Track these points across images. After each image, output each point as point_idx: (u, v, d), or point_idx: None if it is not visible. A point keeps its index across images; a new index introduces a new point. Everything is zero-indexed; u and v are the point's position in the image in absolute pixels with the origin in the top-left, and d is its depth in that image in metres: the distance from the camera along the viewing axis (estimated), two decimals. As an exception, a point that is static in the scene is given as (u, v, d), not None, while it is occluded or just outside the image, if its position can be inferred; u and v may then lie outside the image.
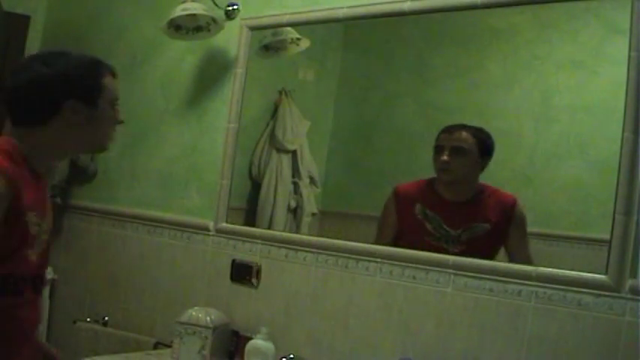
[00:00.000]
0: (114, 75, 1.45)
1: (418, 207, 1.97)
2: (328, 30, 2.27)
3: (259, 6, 2.31)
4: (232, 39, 2.34)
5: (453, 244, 1.87)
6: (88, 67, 1.41)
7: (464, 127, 1.93)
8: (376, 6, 2.01)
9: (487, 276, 1.72)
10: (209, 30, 2.30)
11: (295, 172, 2.34)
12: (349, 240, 1.98)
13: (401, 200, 2.04)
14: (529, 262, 1.72)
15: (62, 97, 1.35)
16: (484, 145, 1.90)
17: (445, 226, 1.91)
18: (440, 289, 1.79)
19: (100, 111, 1.40)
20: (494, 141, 1.87)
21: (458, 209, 1.96)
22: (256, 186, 2.37)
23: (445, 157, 1.92)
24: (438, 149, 1.94)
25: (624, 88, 1.58)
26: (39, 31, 3.16)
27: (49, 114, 1.35)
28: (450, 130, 1.94)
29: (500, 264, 1.71)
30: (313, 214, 2.29)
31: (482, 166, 1.91)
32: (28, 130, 1.35)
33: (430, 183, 1.98)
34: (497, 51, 1.97)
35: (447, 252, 1.84)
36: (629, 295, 1.52)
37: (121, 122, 1.48)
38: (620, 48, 1.60)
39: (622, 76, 1.58)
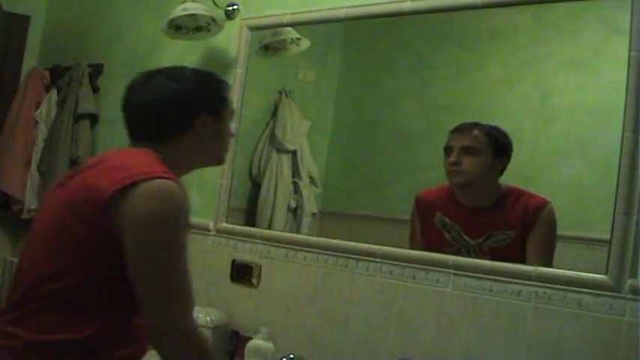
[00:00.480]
0: (229, 89, 1.51)
1: (438, 215, 1.91)
2: (328, 30, 2.27)
3: (259, 6, 2.31)
4: (232, 39, 2.34)
5: (475, 255, 1.80)
6: (214, 82, 1.46)
7: (476, 125, 1.86)
8: (376, 6, 2.01)
9: (487, 276, 1.71)
10: (209, 30, 2.30)
11: (295, 172, 2.34)
12: (349, 240, 1.98)
13: (421, 209, 1.97)
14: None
15: (195, 112, 1.39)
16: (498, 144, 1.82)
17: (464, 236, 1.84)
18: (440, 289, 1.79)
19: (225, 124, 1.45)
20: (511, 140, 1.81)
21: (478, 216, 1.87)
22: (256, 186, 2.37)
23: (453, 158, 1.85)
24: (448, 150, 1.87)
25: (624, 88, 1.58)
26: (39, 31, 3.17)
27: (182, 129, 1.38)
28: (459, 129, 1.88)
29: (501, 264, 1.71)
30: (313, 214, 2.29)
31: (499, 168, 1.82)
32: (157, 144, 1.36)
33: (450, 189, 1.90)
34: (497, 51, 1.96)
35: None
36: (629, 295, 1.52)
37: (233, 136, 1.55)
38: (620, 48, 1.60)
39: (622, 76, 1.58)
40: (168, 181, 1.24)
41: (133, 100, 1.40)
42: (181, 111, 1.38)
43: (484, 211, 1.86)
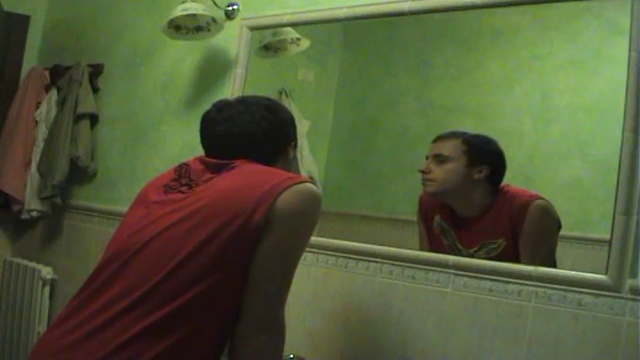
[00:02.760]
0: None
1: (437, 220, 1.90)
2: (328, 30, 2.27)
3: (259, 6, 2.31)
4: (232, 39, 2.34)
5: None
6: (289, 112, 1.57)
7: (455, 133, 1.85)
8: (376, 6, 2.01)
9: (487, 276, 1.71)
10: (209, 30, 2.30)
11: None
12: (349, 240, 1.98)
13: (423, 210, 1.96)
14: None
15: (289, 140, 1.52)
16: (475, 152, 1.79)
17: (458, 244, 1.83)
18: (440, 289, 1.79)
19: (297, 150, 1.61)
20: (497, 148, 1.78)
21: (468, 226, 1.84)
22: (256, 186, 2.37)
23: (423, 167, 1.85)
24: (426, 159, 1.88)
25: (624, 88, 1.58)
26: (39, 31, 3.17)
27: (278, 154, 1.49)
28: (438, 137, 1.87)
29: (501, 264, 1.71)
30: (313, 214, 2.29)
31: (482, 177, 1.79)
32: None
33: None
34: (497, 51, 1.96)
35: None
36: (629, 295, 1.52)
37: None
38: (620, 48, 1.61)
39: (622, 76, 1.58)
40: (317, 189, 1.37)
41: (229, 131, 1.45)
42: (279, 139, 1.50)
43: (473, 221, 1.83)
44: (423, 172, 1.86)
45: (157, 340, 1.22)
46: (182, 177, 1.44)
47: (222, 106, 1.51)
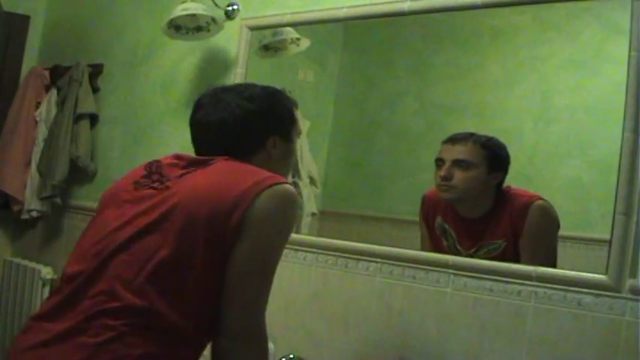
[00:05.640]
0: (297, 107, 1.51)
1: (438, 220, 1.88)
2: (328, 30, 2.27)
3: (259, 6, 2.31)
4: (232, 39, 2.34)
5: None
6: (284, 101, 1.47)
7: (471, 135, 1.79)
8: (376, 6, 2.01)
9: (487, 276, 1.71)
10: (209, 30, 2.30)
11: (295, 172, 2.34)
12: (349, 240, 1.98)
13: (425, 210, 1.93)
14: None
15: (268, 134, 1.40)
16: (494, 159, 1.75)
17: (458, 245, 1.81)
18: (440, 289, 1.79)
19: (292, 145, 1.47)
20: (508, 153, 1.76)
21: (470, 227, 1.82)
22: (256, 186, 2.37)
23: (443, 172, 1.77)
24: (439, 163, 1.81)
25: (624, 88, 1.58)
26: (39, 31, 3.17)
27: (255, 149, 1.39)
28: (453, 139, 1.81)
29: (501, 264, 1.71)
30: (313, 214, 2.29)
31: (495, 183, 1.77)
32: None
33: None
34: (497, 51, 1.96)
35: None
36: (629, 295, 1.52)
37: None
38: (620, 48, 1.61)
39: (622, 76, 1.58)
40: (293, 190, 1.31)
41: (205, 118, 1.40)
42: (255, 132, 1.39)
43: (476, 222, 1.82)
44: (444, 177, 1.79)
45: (134, 343, 1.19)
46: (153, 173, 1.37)
47: (209, 92, 1.45)
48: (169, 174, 1.34)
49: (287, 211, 1.29)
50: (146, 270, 1.22)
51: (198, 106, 1.43)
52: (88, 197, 2.78)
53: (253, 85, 1.46)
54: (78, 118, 2.75)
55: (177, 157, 1.39)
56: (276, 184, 1.27)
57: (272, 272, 1.28)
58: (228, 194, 1.23)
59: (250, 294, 1.25)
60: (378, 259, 1.91)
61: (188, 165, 1.35)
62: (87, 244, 1.32)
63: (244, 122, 1.38)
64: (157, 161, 1.40)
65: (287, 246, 2.07)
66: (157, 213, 1.27)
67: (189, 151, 2.43)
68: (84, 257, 1.30)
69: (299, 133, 1.52)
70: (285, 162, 1.46)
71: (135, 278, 1.22)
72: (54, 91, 2.91)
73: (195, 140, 1.43)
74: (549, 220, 1.72)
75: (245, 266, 1.24)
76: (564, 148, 1.79)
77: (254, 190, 1.24)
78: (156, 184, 1.33)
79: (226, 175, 1.29)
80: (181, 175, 1.32)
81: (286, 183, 1.30)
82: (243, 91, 1.41)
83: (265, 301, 1.27)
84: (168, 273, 1.23)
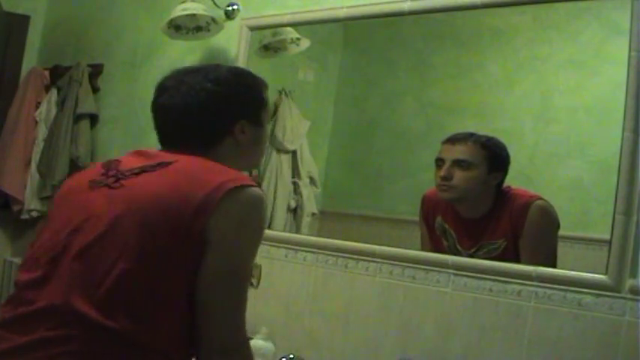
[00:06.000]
0: (267, 88, 1.41)
1: (438, 220, 1.87)
2: (328, 30, 2.27)
3: (259, 6, 2.31)
4: (232, 39, 2.34)
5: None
6: (252, 84, 1.37)
7: (471, 135, 1.79)
8: (376, 6, 2.01)
9: (487, 276, 1.71)
10: (209, 30, 2.30)
11: (295, 172, 2.34)
12: (349, 240, 1.98)
13: (425, 210, 1.92)
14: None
15: (235, 118, 1.31)
16: (494, 159, 1.76)
17: (458, 245, 1.81)
18: (440, 289, 1.79)
19: (263, 129, 1.38)
20: (508, 153, 1.76)
21: (470, 227, 1.81)
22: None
23: (443, 172, 1.77)
24: (439, 163, 1.81)
25: (624, 88, 1.58)
26: (39, 31, 3.17)
27: (221, 135, 1.30)
28: (453, 139, 1.81)
29: (500, 264, 1.71)
30: (313, 214, 2.29)
31: (495, 183, 1.77)
32: (195, 152, 1.27)
33: None
34: (497, 51, 1.96)
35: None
36: (629, 295, 1.52)
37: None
38: (620, 48, 1.60)
39: (622, 76, 1.58)
40: (259, 191, 1.21)
41: (168, 102, 1.30)
42: (222, 117, 1.30)
43: (476, 222, 1.82)
44: (444, 177, 1.79)
45: None
46: (110, 170, 1.26)
47: (171, 75, 1.35)
48: (128, 171, 1.24)
49: (256, 217, 1.20)
50: (105, 285, 1.11)
51: (160, 90, 1.33)
52: (88, 197, 2.77)
53: (219, 67, 1.37)
54: (78, 118, 2.75)
55: (138, 153, 1.31)
56: (239, 186, 1.17)
57: (248, 280, 1.23)
58: (189, 199, 1.13)
59: (229, 306, 1.17)
60: (378, 259, 1.91)
61: (149, 164, 1.24)
62: (41, 249, 1.22)
63: (210, 106, 1.28)
64: (116, 160, 1.30)
65: (287, 246, 2.10)
66: (110, 218, 1.16)
67: (189, 151, 2.44)
68: (37, 263, 1.20)
69: (270, 117, 1.39)
70: (255, 148, 1.37)
71: (95, 292, 1.11)
72: (54, 91, 2.91)
73: (159, 127, 1.33)
74: (549, 220, 1.72)
75: (219, 282, 1.15)
76: (564, 148, 1.79)
77: (217, 194, 1.14)
78: (111, 180, 1.23)
79: (186, 176, 1.19)
80: (140, 173, 1.22)
81: (252, 185, 1.19)
82: (208, 73, 1.31)
83: (244, 311, 1.19)
84: (130, 288, 1.12)
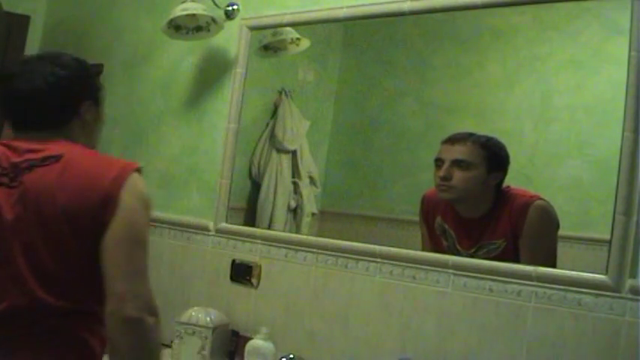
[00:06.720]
0: (101, 73, 1.56)
1: (438, 221, 1.87)
2: (328, 30, 2.27)
3: (259, 6, 2.31)
4: (232, 39, 2.34)
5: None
6: (90, 68, 1.50)
7: (470, 135, 1.79)
8: (376, 6, 2.01)
9: (487, 276, 1.71)
10: (209, 30, 2.30)
11: (295, 172, 2.34)
12: (349, 240, 1.98)
13: (425, 210, 1.93)
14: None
15: (81, 98, 1.43)
16: (494, 159, 1.76)
17: (457, 245, 1.81)
18: (440, 289, 1.79)
19: (102, 109, 1.52)
20: (507, 153, 1.76)
21: (470, 227, 1.81)
22: (256, 186, 2.37)
23: (443, 172, 1.77)
24: (438, 163, 1.81)
25: (624, 88, 1.58)
26: (39, 31, 3.17)
27: (71, 116, 1.41)
28: (452, 139, 1.81)
29: (500, 264, 1.71)
30: (313, 214, 2.29)
31: (494, 183, 1.77)
32: (51, 133, 1.38)
33: None
34: (497, 51, 1.97)
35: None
36: (629, 295, 1.52)
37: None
38: (620, 48, 1.61)
39: (622, 76, 1.58)
40: (139, 171, 1.37)
41: (21, 87, 1.38)
42: (70, 97, 1.41)
43: (476, 222, 1.82)
44: (443, 177, 1.79)
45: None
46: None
47: (18, 62, 1.47)
48: (15, 167, 1.32)
49: (146, 192, 1.35)
50: (35, 284, 1.26)
51: (8, 77, 1.42)
52: (88, 197, 2.77)
53: (62, 53, 1.47)
54: (78, 118, 2.75)
55: (6, 145, 1.37)
56: (130, 171, 1.32)
57: (148, 243, 1.33)
58: (92, 195, 1.27)
59: (137, 265, 1.28)
60: (378, 259, 1.91)
61: (35, 158, 1.32)
62: None
63: (60, 89, 1.38)
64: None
65: (287, 246, 2.10)
66: (22, 218, 1.27)
67: (190, 151, 2.45)
68: None
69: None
70: (97, 126, 1.51)
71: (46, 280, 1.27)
72: (54, 91, 2.91)
73: (11, 113, 1.41)
74: (549, 220, 1.72)
75: (126, 240, 1.28)
76: (564, 148, 1.79)
77: (117, 184, 1.29)
78: (6, 180, 1.31)
79: (83, 171, 1.31)
80: (30, 169, 1.31)
81: (135, 168, 1.34)
82: (54, 59, 1.42)
83: (148, 271, 1.31)
84: (64, 272, 1.28)
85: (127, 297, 1.23)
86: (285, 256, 2.10)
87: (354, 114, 2.27)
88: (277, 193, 2.33)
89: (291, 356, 1.95)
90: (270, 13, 2.27)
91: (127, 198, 1.28)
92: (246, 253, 2.20)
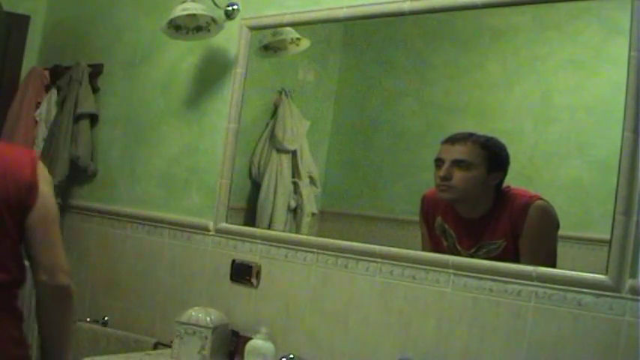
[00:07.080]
0: None
1: (438, 221, 1.87)
2: (328, 30, 2.27)
3: (259, 6, 2.31)
4: (232, 39, 2.34)
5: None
6: None
7: (470, 136, 1.79)
8: (376, 6, 2.01)
9: (487, 276, 1.71)
10: (209, 30, 2.30)
11: (295, 172, 2.34)
12: (349, 240, 1.98)
13: (425, 210, 1.93)
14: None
15: None
16: (494, 159, 1.76)
17: (458, 245, 1.81)
18: (440, 289, 1.79)
19: None
20: (507, 153, 1.76)
21: (470, 227, 1.81)
22: (256, 186, 2.37)
23: (443, 172, 1.77)
24: (438, 163, 1.81)
25: (624, 88, 1.58)
26: (39, 31, 3.17)
27: None
28: (452, 140, 1.81)
29: (501, 264, 1.71)
30: (313, 214, 2.29)
31: (494, 183, 1.77)
32: None
33: None
34: (497, 51, 1.97)
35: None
36: (629, 295, 1.52)
37: None
38: (620, 48, 1.60)
39: (622, 76, 1.58)
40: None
41: None
42: None
43: (476, 222, 1.82)
44: (443, 178, 1.79)
45: None
46: None
47: None
48: None
49: (49, 175, 1.60)
50: None
51: None
52: (88, 197, 2.77)
53: None
54: (78, 118, 2.75)
55: None
56: (38, 159, 1.56)
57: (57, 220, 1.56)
58: (20, 181, 1.46)
59: (58, 239, 1.50)
60: (378, 259, 1.91)
61: None
62: None
63: None
64: None
65: (287, 246, 2.10)
66: None
67: (190, 151, 2.45)
68: None
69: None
70: None
71: None
72: (54, 91, 2.91)
73: None
74: (549, 220, 1.72)
75: (48, 220, 1.49)
76: (564, 148, 1.79)
77: (36, 172, 1.51)
78: None
79: (6, 160, 1.49)
80: None
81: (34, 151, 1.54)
82: None
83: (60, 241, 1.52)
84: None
85: (56, 267, 1.44)
86: (285, 256, 2.10)
87: (354, 114, 2.27)
88: (277, 193, 2.33)
89: (291, 356, 1.95)
90: (270, 13, 2.27)
91: (42, 186, 1.50)
92: (246, 253, 2.20)
